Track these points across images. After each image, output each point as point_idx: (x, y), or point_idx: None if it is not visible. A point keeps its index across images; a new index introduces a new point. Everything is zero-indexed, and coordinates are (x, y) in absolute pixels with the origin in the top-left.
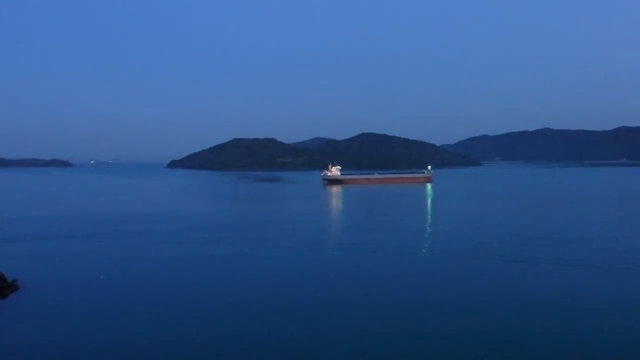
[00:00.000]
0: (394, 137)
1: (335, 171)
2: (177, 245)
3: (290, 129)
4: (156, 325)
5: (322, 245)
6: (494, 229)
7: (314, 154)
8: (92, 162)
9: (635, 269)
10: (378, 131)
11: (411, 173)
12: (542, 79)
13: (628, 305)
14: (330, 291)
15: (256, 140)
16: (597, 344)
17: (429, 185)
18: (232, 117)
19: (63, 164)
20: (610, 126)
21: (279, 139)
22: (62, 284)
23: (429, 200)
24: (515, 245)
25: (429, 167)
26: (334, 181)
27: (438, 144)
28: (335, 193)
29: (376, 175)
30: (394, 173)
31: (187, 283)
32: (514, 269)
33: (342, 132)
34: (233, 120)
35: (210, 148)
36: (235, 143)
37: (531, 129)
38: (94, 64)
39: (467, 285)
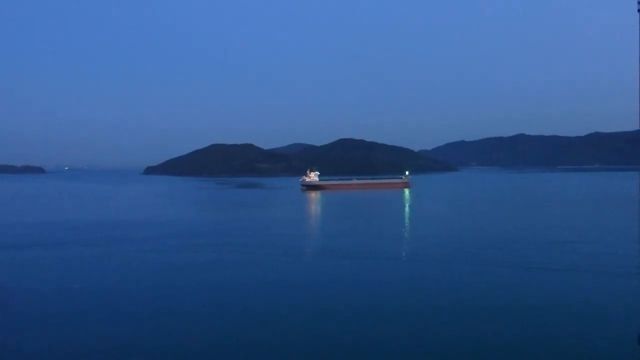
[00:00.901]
0: (372, 143)
1: (313, 177)
2: (155, 252)
3: (269, 135)
4: (133, 334)
5: (301, 251)
6: (471, 233)
7: (292, 160)
8: (67, 168)
9: (609, 272)
10: (357, 137)
11: (389, 178)
12: (518, 85)
13: (604, 307)
14: (309, 297)
15: (235, 145)
16: (576, 348)
17: (407, 191)
18: (210, 123)
19: (37, 170)
20: (584, 132)
21: (257, 144)
22: (36, 292)
23: (407, 206)
24: (492, 249)
25: (407, 173)
26: (312, 187)
27: (416, 149)
28: (313, 199)
29: (355, 181)
30: (372, 178)
31: (165, 290)
32: (491, 274)
33: (320, 137)
34: (211, 126)
35: (188, 154)
36: (214, 149)
37: (507, 135)
38: (68, 69)
39: (446, 291)
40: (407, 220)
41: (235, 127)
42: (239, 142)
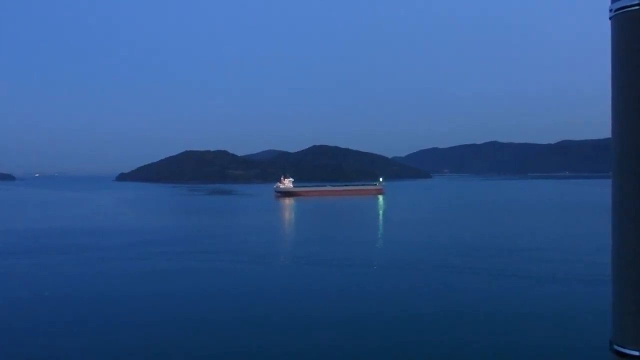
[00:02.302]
0: (346, 149)
1: (287, 183)
2: (127, 260)
3: (242, 141)
4: (101, 344)
5: (273, 259)
6: (443, 240)
7: (266, 166)
8: (37, 175)
9: (579, 279)
10: (330, 143)
11: (363, 185)
12: (491, 93)
13: (575, 314)
14: (281, 306)
15: (208, 152)
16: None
17: (380, 197)
18: (183, 129)
19: (6, 177)
20: (554, 140)
21: (231, 151)
22: (3, 300)
23: (381, 212)
24: (463, 256)
25: (381, 179)
26: (286, 193)
27: (389, 156)
28: (287, 205)
29: (328, 187)
30: (346, 185)
31: (134, 299)
32: (461, 281)
33: (294, 144)
34: (184, 132)
35: (160, 160)
36: (187, 155)
37: (479, 142)
38: (36, 73)
39: (418, 298)
40: (380, 227)
41: (209, 134)
42: (212, 148)
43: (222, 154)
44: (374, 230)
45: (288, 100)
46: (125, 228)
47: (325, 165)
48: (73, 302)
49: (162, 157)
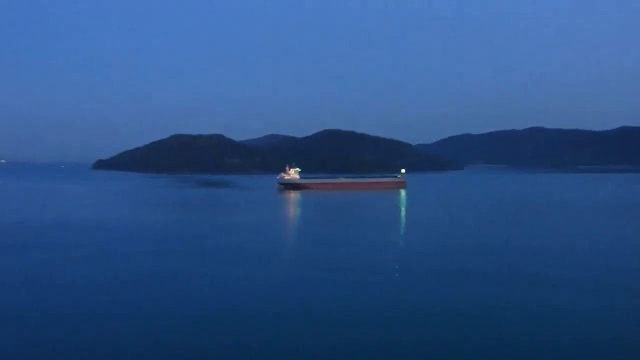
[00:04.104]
0: (363, 136)
1: (293, 174)
2: (104, 259)
3: (241, 125)
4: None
5: (274, 261)
6: (473, 242)
7: (268, 154)
8: (3, 161)
9: (613, 288)
10: (344, 128)
11: (382, 177)
12: (534, 69)
13: (607, 328)
14: (281, 317)
15: (200, 137)
16: None
17: (402, 192)
18: (171, 110)
19: None
20: (611, 125)
21: (227, 135)
22: None
23: (403, 210)
24: (488, 262)
25: (403, 171)
26: (292, 186)
27: (413, 143)
28: (293, 200)
29: (341, 180)
30: (362, 177)
31: (111, 307)
32: (484, 290)
33: (302, 128)
34: (172, 113)
35: (145, 146)
36: (175, 140)
37: (520, 127)
38: (3, 55)
39: (434, 313)
40: (401, 227)
41: (202, 115)
42: (205, 132)
43: (217, 139)
44: (394, 231)
45: (295, 78)
46: (103, 224)
47: (338, 153)
48: (48, 318)
49: (147, 142)
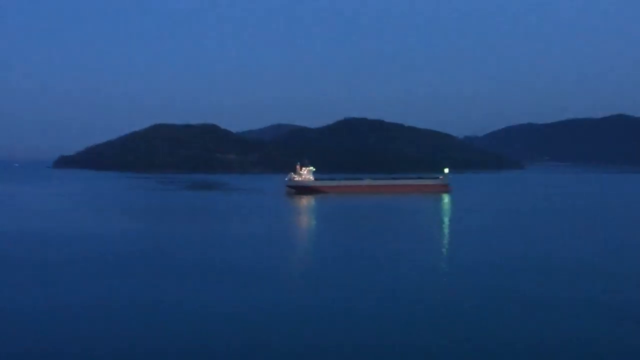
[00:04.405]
0: (394, 126)
1: (306, 174)
2: (60, 284)
3: (239, 112)
4: None
5: (280, 283)
6: (534, 264)
7: (274, 149)
8: None
9: None
10: (370, 116)
11: (419, 179)
12: (613, 43)
13: None
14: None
15: (187, 127)
16: None
17: (445, 197)
18: (152, 94)
19: None
20: None
21: (222, 125)
22: None
23: (446, 220)
24: (571, 289)
25: (446, 171)
26: (303, 189)
27: (460, 135)
28: (305, 207)
29: (367, 182)
30: (394, 178)
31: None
32: (548, 324)
33: (316, 116)
34: (154, 99)
35: (118, 138)
36: (157, 131)
37: (597, 115)
38: None
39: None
40: (443, 242)
41: (190, 101)
42: (194, 121)
43: (210, 130)
44: (434, 247)
45: (307, 55)
46: (70, 236)
47: (363, 148)
48: None
49: (121, 133)
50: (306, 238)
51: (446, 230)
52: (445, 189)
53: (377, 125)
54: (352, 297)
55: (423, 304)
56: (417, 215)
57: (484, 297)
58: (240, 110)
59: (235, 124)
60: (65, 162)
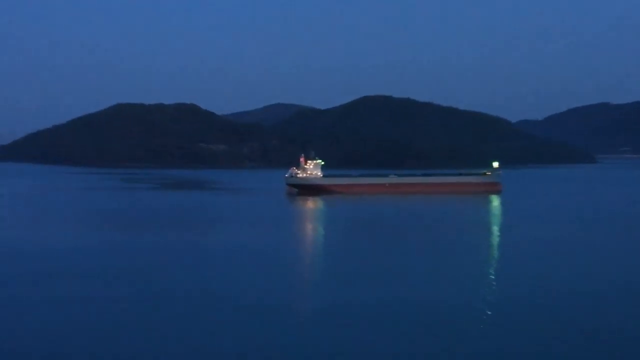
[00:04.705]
0: (427, 107)
1: (312, 169)
2: None
3: (226, 89)
4: None
5: (282, 314)
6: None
7: (271, 136)
8: None
9: None
10: (396, 94)
11: (460, 175)
12: None
13: None
14: None
15: (160, 107)
16: None
17: (495, 199)
18: (112, 67)
19: None
20: None
21: (204, 106)
22: None
23: (495, 230)
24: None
25: (496, 165)
26: (309, 188)
27: (513, 119)
28: (311, 211)
29: (392, 180)
30: (426, 175)
31: None
32: None
33: (324, 96)
34: (116, 76)
35: (69, 123)
36: (120, 113)
37: None
38: None
39: None
40: (492, 261)
41: (162, 76)
42: (168, 101)
43: (189, 112)
44: (479, 267)
45: (314, 11)
46: (3, 249)
47: (386, 135)
48: None
49: (73, 116)
50: (312, 251)
51: (496, 247)
52: (495, 188)
53: (405, 106)
54: (365, 326)
55: (467, 337)
56: (457, 223)
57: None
58: (227, 87)
59: (220, 104)
60: None
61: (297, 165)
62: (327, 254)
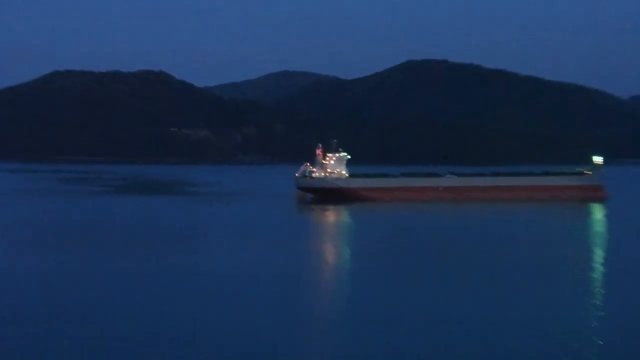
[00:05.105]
0: (498, 75)
1: (334, 166)
2: None
3: (210, 54)
4: None
5: None
6: None
7: (273, 118)
8: None
9: None
10: (454, 58)
11: (547, 175)
12: None
13: None
14: None
15: (116, 76)
16: None
17: (598, 208)
18: (50, 35)
19: None
20: None
21: (178, 75)
22: None
23: (599, 253)
24: None
25: (599, 160)
26: (330, 193)
27: (624, 95)
28: (333, 226)
29: (449, 180)
30: (497, 174)
31: None
32: None
33: (351, 61)
34: (53, 38)
35: None
36: (57, 84)
37: None
38: None
39: None
40: (597, 293)
41: (122, 35)
42: (129, 68)
43: (155, 84)
44: (585, 301)
45: None
46: None
47: (437, 117)
48: None
49: None
50: (333, 278)
51: (602, 265)
52: (597, 194)
53: (467, 75)
54: None
55: None
56: (545, 240)
57: None
58: (211, 48)
59: (203, 74)
60: None
61: (313, 160)
62: (350, 274)
